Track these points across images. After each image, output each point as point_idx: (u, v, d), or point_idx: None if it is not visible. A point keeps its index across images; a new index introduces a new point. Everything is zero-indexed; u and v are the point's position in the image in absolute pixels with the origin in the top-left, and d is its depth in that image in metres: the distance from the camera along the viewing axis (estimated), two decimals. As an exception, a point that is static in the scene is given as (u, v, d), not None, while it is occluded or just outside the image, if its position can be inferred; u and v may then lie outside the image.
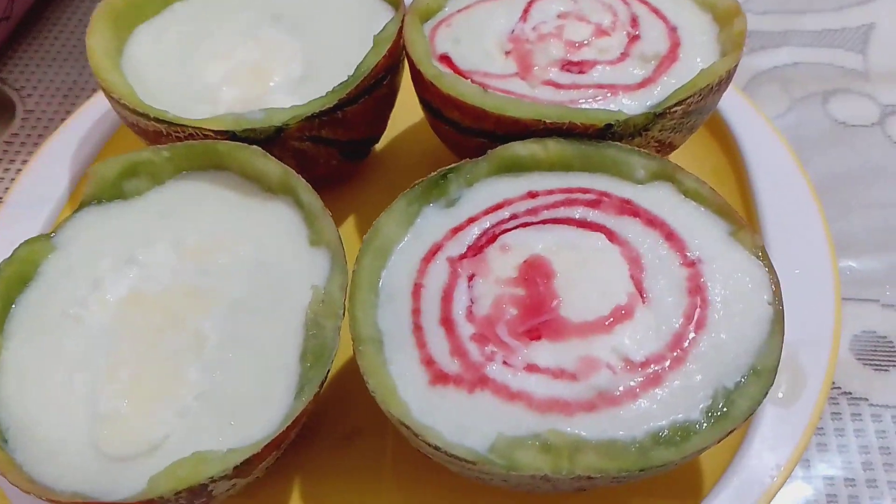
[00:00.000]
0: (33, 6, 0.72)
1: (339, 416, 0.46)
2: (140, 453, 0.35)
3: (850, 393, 0.47)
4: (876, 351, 0.49)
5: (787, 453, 0.41)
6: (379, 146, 0.58)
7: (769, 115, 0.61)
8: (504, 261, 0.40)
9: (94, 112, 0.60)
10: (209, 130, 0.46)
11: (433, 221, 0.42)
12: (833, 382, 0.47)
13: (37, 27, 0.75)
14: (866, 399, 0.47)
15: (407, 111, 0.57)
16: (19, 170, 0.63)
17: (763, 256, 0.39)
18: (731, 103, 0.57)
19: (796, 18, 0.70)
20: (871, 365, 0.48)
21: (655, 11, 0.52)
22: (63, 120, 0.66)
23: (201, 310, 0.40)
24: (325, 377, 0.37)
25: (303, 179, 0.44)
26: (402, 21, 0.51)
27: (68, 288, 0.42)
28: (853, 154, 0.59)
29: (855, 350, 0.49)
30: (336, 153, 0.51)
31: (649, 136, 0.46)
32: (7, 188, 0.61)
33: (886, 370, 0.48)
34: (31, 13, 0.73)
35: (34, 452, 0.36)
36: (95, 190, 0.45)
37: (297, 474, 0.44)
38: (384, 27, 0.51)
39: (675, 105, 0.44)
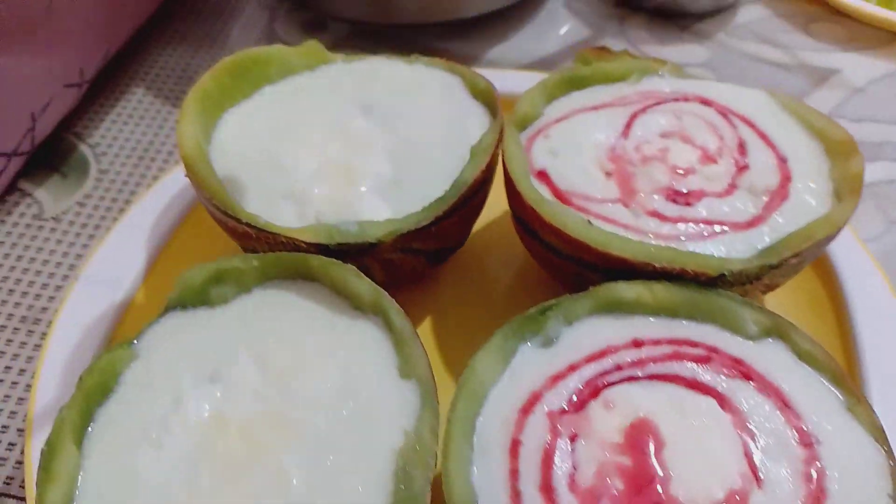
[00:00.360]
0: (104, 68, 0.71)
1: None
2: None
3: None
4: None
5: None
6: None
7: (863, 236, 0.59)
8: (608, 421, 0.38)
9: (172, 185, 0.59)
10: (302, 241, 0.45)
11: (531, 362, 0.41)
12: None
13: (110, 85, 0.74)
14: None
15: (488, 209, 0.55)
16: (92, 235, 0.62)
17: (882, 439, 0.37)
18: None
19: (894, 129, 0.68)
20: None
21: (763, 136, 0.50)
22: (137, 183, 0.66)
23: (285, 443, 0.38)
24: (417, 540, 0.35)
25: (395, 302, 0.42)
26: (500, 132, 0.49)
27: (149, 403, 0.40)
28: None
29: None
30: (423, 260, 0.50)
31: (759, 282, 0.43)
32: (79, 254, 0.61)
33: None
34: (104, 72, 0.73)
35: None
36: (181, 295, 0.44)
37: None
38: (482, 138, 0.49)
39: (792, 257, 0.42)
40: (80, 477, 0.38)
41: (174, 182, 0.59)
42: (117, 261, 0.54)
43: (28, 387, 0.54)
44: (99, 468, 0.38)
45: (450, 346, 0.51)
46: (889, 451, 0.37)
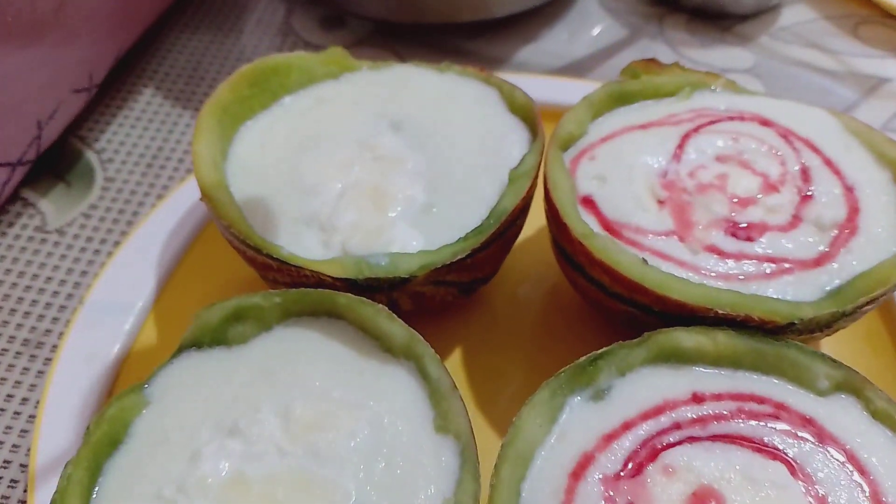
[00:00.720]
0: (112, 71, 0.67)
1: None
2: None
3: None
4: None
5: None
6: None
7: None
8: (669, 488, 0.34)
9: (183, 198, 0.55)
10: (328, 276, 0.41)
11: (581, 419, 0.37)
12: None
13: (117, 85, 0.70)
14: None
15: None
16: (98, 249, 0.58)
17: (972, 515, 0.33)
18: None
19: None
20: None
21: (828, 163, 0.46)
22: (146, 193, 0.62)
23: None
24: None
25: (430, 347, 0.39)
26: (542, 154, 0.45)
27: (163, 459, 0.37)
28: None
29: None
30: (455, 291, 0.46)
31: (829, 330, 0.40)
32: (84, 270, 0.57)
33: None
34: (111, 76, 0.68)
35: None
36: (196, 335, 0.41)
37: None
38: (523, 160, 0.46)
39: (867, 303, 0.38)
40: (88, 541, 0.35)
41: (185, 195, 0.55)
42: (125, 284, 0.51)
43: (31, 417, 0.50)
44: (111, 530, 0.35)
45: (480, 384, 0.48)
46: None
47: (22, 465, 0.48)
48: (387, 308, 0.40)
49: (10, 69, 0.56)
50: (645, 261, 0.40)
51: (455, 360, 0.49)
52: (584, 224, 0.42)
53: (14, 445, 0.49)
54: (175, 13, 0.77)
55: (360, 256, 0.42)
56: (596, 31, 0.72)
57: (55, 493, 0.35)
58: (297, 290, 0.41)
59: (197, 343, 0.41)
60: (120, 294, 0.51)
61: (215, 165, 0.46)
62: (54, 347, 0.53)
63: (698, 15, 0.74)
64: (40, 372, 0.52)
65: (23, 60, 0.56)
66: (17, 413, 0.50)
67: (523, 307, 0.52)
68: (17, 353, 0.53)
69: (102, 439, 0.37)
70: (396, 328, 0.39)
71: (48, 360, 0.52)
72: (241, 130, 0.50)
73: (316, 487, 0.36)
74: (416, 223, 0.45)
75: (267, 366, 0.40)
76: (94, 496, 0.36)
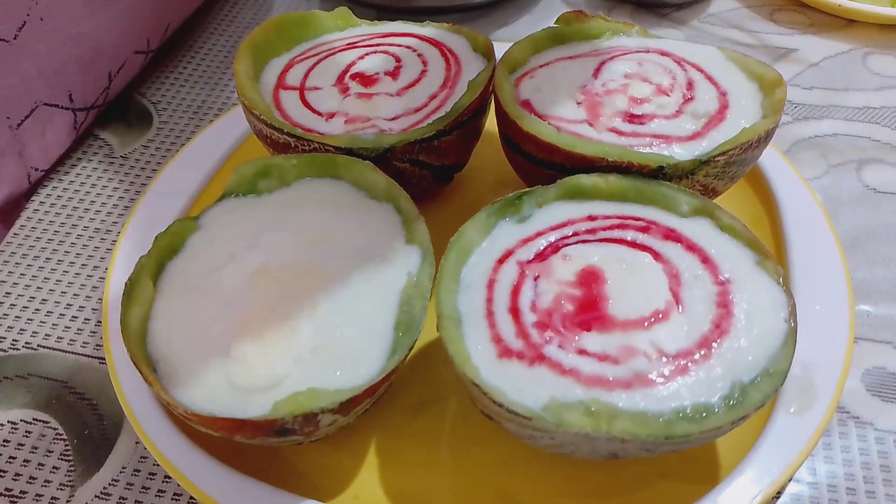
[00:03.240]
0: (170, 38, 0.85)
1: (408, 389, 0.54)
2: (264, 387, 0.44)
3: (858, 417, 0.54)
4: (884, 385, 0.55)
5: (794, 454, 0.48)
6: (460, 174, 0.67)
7: (807, 176, 0.69)
8: (565, 267, 0.48)
9: (223, 127, 0.71)
10: (330, 146, 0.56)
11: (507, 232, 0.51)
12: (843, 407, 0.54)
13: (172, 52, 0.88)
14: (872, 424, 0.53)
15: (484, 149, 0.66)
16: (154, 169, 0.74)
17: (784, 283, 0.47)
18: (772, 161, 0.65)
19: (840, 95, 0.78)
20: (879, 396, 0.55)
21: (710, 78, 0.61)
22: (193, 132, 0.78)
23: (316, 284, 0.49)
24: (413, 344, 0.46)
25: (404, 191, 0.54)
26: (493, 70, 0.61)
27: (210, 259, 0.51)
28: (880, 215, 0.66)
29: (865, 383, 0.55)
30: (429, 174, 0.61)
31: (695, 179, 0.54)
32: (143, 184, 0.73)
33: (893, 402, 0.54)
34: (166, 44, 0.86)
35: (178, 383, 0.46)
36: (235, 185, 0.56)
37: (374, 433, 0.52)
38: (478, 74, 0.61)
39: (719, 155, 0.53)
40: (154, 304, 0.49)
41: (228, 122, 0.71)
42: (182, 178, 0.66)
43: (101, 279, 0.65)
44: (169, 300, 0.50)
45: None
46: (788, 292, 0.47)
47: (94, 309, 0.63)
48: (372, 164, 0.55)
49: (91, 28, 0.73)
50: (559, 129, 0.55)
51: (432, 232, 0.64)
52: (519, 109, 0.57)
53: (87, 297, 0.64)
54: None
55: (355, 134, 0.58)
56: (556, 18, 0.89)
57: (132, 272, 0.50)
58: (309, 154, 0.56)
59: (235, 192, 0.56)
60: (177, 185, 0.66)
61: (249, 78, 0.62)
62: (120, 232, 0.68)
63: (641, 5, 0.90)
64: (108, 250, 0.67)
65: (100, 22, 0.73)
66: (89, 276, 0.65)
67: (485, 195, 0.66)
68: (90, 237, 0.68)
69: (165, 246, 0.52)
70: (379, 178, 0.54)
71: (115, 242, 0.68)
72: (268, 66, 0.66)
73: (319, 271, 0.50)
74: (398, 123, 0.60)
75: (287, 206, 0.55)
76: (159, 281, 0.51)
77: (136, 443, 0.54)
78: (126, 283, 0.49)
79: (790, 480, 0.50)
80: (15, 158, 0.69)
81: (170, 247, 0.52)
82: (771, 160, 0.66)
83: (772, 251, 0.60)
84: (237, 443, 0.48)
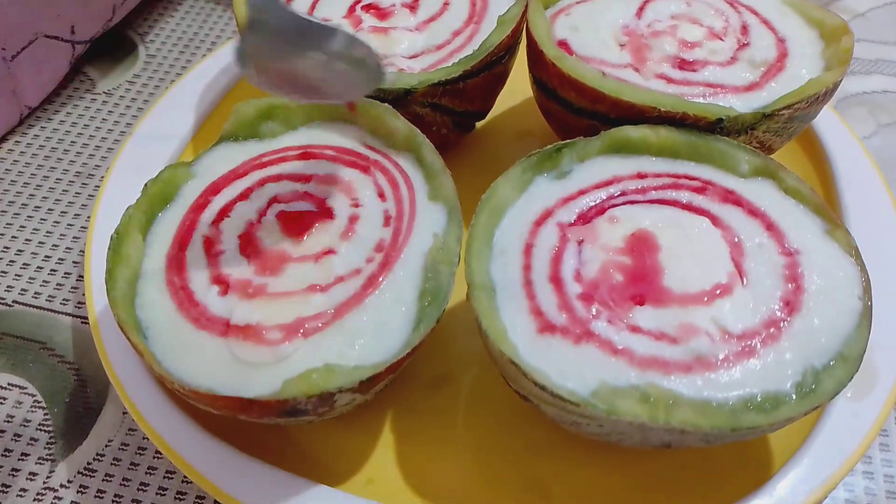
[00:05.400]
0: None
1: (428, 361, 0.49)
2: (270, 362, 0.39)
3: (916, 403, 0.49)
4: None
5: (853, 446, 0.43)
6: (481, 123, 0.61)
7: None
8: (612, 231, 0.43)
9: (219, 60, 0.64)
10: (343, 85, 0.49)
11: (545, 189, 0.46)
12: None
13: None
14: (930, 411, 0.49)
15: (508, 95, 0.60)
16: (141, 108, 0.67)
17: (856, 255, 0.42)
18: (824, 118, 0.59)
19: (889, 49, 0.72)
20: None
21: (766, 23, 0.54)
22: (183, 67, 0.70)
23: (331, 242, 0.43)
24: (441, 315, 0.40)
25: (426, 139, 0.47)
26: (526, 5, 0.54)
27: (206, 210, 0.45)
28: (935, 181, 0.61)
29: (923, 364, 0.51)
30: (449, 121, 0.55)
31: (754, 135, 0.48)
32: (129, 123, 0.66)
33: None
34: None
35: (172, 351, 0.40)
36: (235, 127, 0.49)
37: (389, 410, 0.47)
38: (508, 9, 0.54)
39: (784, 108, 0.47)
40: (144, 262, 0.43)
41: (226, 56, 0.64)
42: (172, 118, 0.59)
43: (83, 229, 0.59)
44: (160, 256, 0.43)
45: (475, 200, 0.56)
46: (862, 266, 0.41)
47: (75, 263, 0.57)
48: (391, 107, 0.48)
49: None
50: (604, 73, 0.49)
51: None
52: (556, 49, 0.50)
53: (67, 248, 0.58)
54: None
55: (370, 73, 0.51)
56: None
57: (119, 224, 0.43)
58: (318, 94, 0.50)
59: (234, 136, 0.49)
60: (165, 128, 0.59)
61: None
62: (103, 177, 0.61)
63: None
64: (91, 196, 0.61)
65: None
66: (69, 225, 0.59)
67: (508, 148, 0.60)
68: (70, 181, 0.62)
69: (156, 194, 0.46)
70: (400, 123, 0.48)
71: (98, 188, 0.61)
72: None
73: (335, 229, 0.44)
74: (416, 60, 0.54)
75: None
76: (149, 234, 0.45)
77: (124, 413, 0.49)
78: (112, 238, 0.43)
79: (847, 474, 0.45)
80: (8, 97, 0.62)
81: (161, 196, 0.46)
82: (821, 116, 0.60)
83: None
84: (238, 419, 0.42)
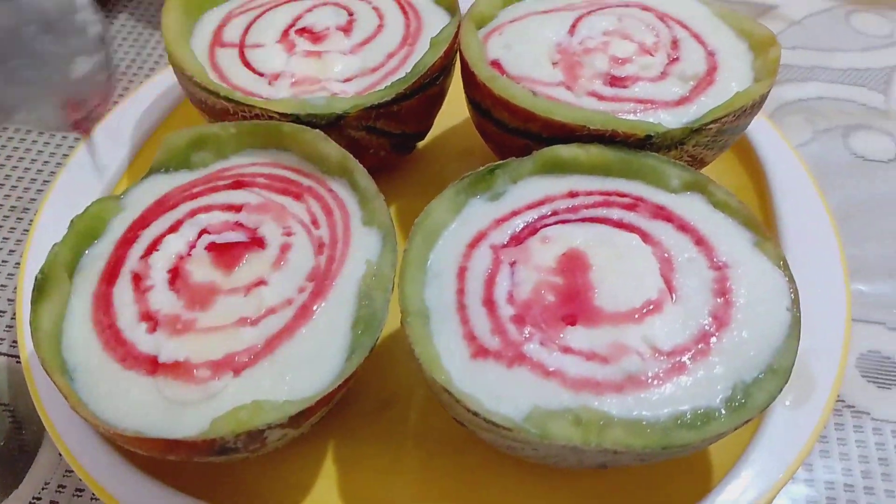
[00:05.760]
0: None
1: (368, 388, 0.48)
2: (199, 400, 0.38)
3: (854, 406, 0.50)
4: (880, 370, 0.52)
5: (793, 454, 0.43)
6: (422, 143, 0.61)
7: (792, 143, 0.64)
8: (544, 252, 0.43)
9: (150, 91, 0.63)
10: (275, 112, 0.49)
11: (479, 211, 0.46)
12: (838, 396, 0.50)
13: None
14: (868, 413, 0.50)
15: (449, 114, 0.60)
16: (77, 138, 0.66)
17: (784, 267, 0.42)
18: (758, 128, 0.60)
19: (824, 55, 0.74)
20: (874, 382, 0.51)
21: (696, 36, 0.55)
22: (121, 95, 0.69)
23: (262, 272, 0.42)
24: (375, 344, 0.40)
25: (359, 164, 0.47)
26: (459, 25, 0.54)
27: (134, 244, 0.44)
28: (870, 186, 0.62)
29: (860, 368, 0.52)
30: (387, 144, 0.55)
31: (684, 149, 0.49)
32: (65, 154, 0.65)
33: (889, 388, 0.51)
34: None
35: (99, 392, 0.39)
36: (165, 157, 0.48)
37: (330, 439, 0.46)
38: (441, 30, 0.54)
39: (711, 122, 0.47)
40: (70, 300, 0.42)
41: (158, 86, 0.63)
42: (105, 150, 0.58)
43: (17, 266, 0.57)
44: (87, 293, 0.42)
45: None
46: (790, 277, 0.42)
47: (9, 300, 0.55)
48: (323, 133, 0.48)
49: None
50: (535, 93, 0.49)
51: (392, 211, 0.57)
52: (489, 70, 0.50)
53: (1, 285, 0.56)
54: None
55: (303, 98, 0.51)
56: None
57: (44, 263, 0.42)
58: (249, 122, 0.49)
59: (165, 166, 0.48)
60: (99, 159, 0.58)
61: (180, 33, 0.54)
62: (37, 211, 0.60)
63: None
64: (25, 231, 0.59)
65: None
66: (3, 261, 0.58)
67: (449, 169, 0.60)
68: (5, 216, 0.60)
69: (83, 230, 0.45)
70: (332, 148, 0.48)
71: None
72: (202, 19, 0.58)
73: (264, 260, 0.43)
74: (350, 84, 0.53)
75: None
76: (76, 273, 0.44)
77: (60, 455, 0.48)
78: (37, 277, 0.42)
79: (788, 482, 0.46)
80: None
81: (88, 231, 0.45)
82: (757, 126, 0.61)
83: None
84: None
